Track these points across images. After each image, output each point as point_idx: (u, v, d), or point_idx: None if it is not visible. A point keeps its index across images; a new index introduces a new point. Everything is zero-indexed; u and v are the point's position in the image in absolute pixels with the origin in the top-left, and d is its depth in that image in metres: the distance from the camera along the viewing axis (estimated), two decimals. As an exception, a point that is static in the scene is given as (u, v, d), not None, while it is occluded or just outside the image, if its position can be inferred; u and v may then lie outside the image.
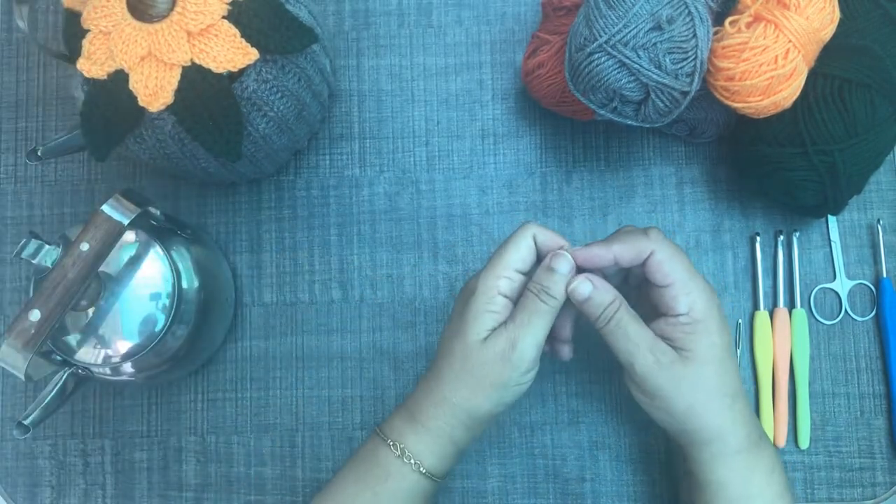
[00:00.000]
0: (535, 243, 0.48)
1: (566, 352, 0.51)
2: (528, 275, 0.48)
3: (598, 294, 0.46)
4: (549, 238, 0.48)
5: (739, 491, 0.47)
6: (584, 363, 0.57)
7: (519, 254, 0.47)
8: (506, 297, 0.47)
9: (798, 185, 0.52)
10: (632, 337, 0.46)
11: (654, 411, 0.47)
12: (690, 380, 0.46)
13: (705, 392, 0.46)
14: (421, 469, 0.47)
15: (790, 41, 0.47)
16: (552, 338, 0.49)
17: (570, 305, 0.47)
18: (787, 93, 0.48)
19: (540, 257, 0.48)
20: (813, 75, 0.50)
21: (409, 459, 0.47)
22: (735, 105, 0.49)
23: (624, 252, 0.46)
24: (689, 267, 0.47)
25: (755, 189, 0.58)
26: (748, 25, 0.48)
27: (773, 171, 0.53)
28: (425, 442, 0.48)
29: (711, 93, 0.50)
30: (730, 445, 0.47)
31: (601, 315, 0.46)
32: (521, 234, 0.48)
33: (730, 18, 0.49)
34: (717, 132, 0.57)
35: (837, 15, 0.48)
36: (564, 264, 0.46)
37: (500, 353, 0.46)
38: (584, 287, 0.46)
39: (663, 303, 0.47)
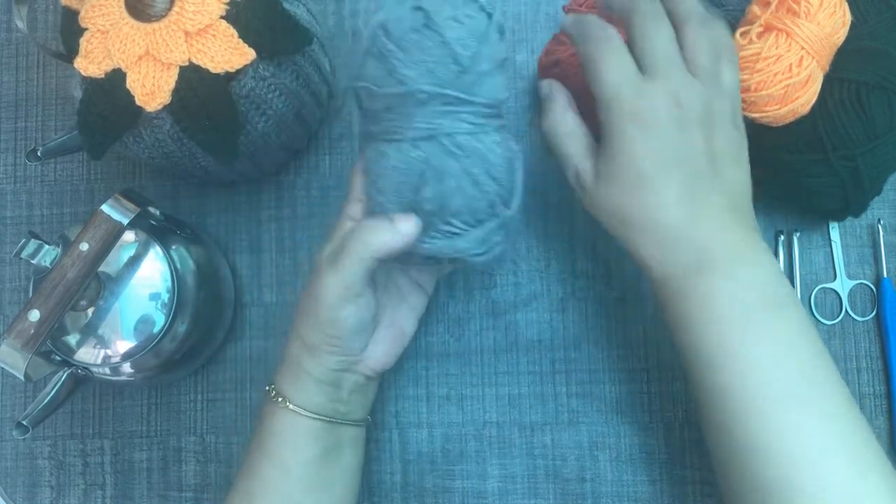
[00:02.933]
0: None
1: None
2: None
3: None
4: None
5: (669, 323, 0.45)
6: (584, 363, 0.57)
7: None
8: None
9: (820, 191, 0.52)
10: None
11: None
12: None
13: (602, 214, 0.46)
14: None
15: (803, 48, 0.47)
16: None
17: None
18: (804, 100, 0.48)
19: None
20: (829, 80, 0.49)
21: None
22: (752, 115, 0.48)
23: None
24: None
25: (776, 196, 0.57)
26: (759, 36, 0.48)
27: (794, 178, 0.52)
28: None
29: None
30: (651, 274, 0.45)
31: None
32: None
33: (741, 30, 0.49)
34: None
35: (849, 18, 0.48)
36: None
37: None
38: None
39: None
